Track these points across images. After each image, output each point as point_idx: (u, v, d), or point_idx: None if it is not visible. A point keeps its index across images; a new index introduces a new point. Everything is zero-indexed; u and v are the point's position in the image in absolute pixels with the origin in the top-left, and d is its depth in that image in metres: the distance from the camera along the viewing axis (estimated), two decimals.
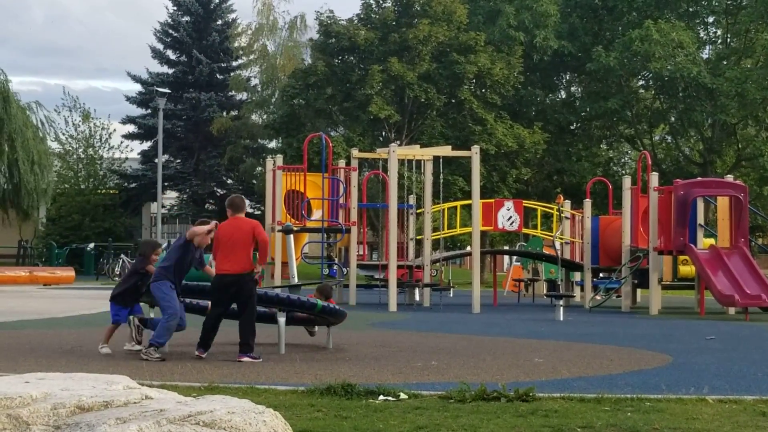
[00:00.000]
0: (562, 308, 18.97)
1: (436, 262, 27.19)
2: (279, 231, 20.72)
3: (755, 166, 42.92)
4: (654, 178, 22.23)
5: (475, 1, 43.40)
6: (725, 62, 42.78)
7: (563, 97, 48.16)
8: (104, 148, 51.40)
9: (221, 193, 53.42)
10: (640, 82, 45.57)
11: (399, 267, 22.64)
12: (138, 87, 54.18)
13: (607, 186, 28.78)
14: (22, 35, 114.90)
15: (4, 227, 39.79)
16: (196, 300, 11.83)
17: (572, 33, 43.03)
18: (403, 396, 8.04)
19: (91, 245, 43.17)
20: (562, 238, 25.59)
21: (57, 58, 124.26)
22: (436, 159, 23.31)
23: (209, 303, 11.48)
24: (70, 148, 50.80)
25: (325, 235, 22.13)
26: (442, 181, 23.81)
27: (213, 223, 11.15)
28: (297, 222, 21.64)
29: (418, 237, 24.59)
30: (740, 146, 44.02)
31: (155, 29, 53.88)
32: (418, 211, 24.73)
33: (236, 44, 54.31)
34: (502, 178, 40.34)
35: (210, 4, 53.65)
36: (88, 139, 50.96)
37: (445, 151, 25.29)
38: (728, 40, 44.35)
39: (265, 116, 49.82)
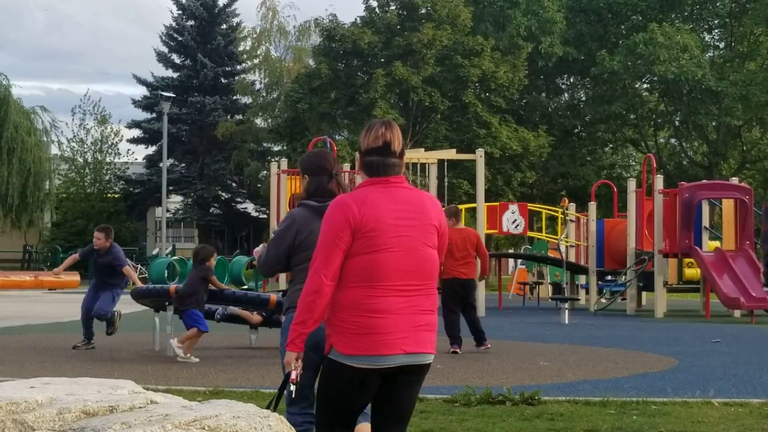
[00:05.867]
0: (567, 311, 18.93)
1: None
2: None
3: (760, 169, 42.90)
4: (659, 181, 22.18)
5: (481, 6, 43.33)
6: (729, 65, 42.74)
7: (567, 99, 48.14)
8: (111, 153, 51.43)
9: (226, 197, 53.45)
10: (645, 86, 45.53)
11: None
12: (142, 91, 54.33)
13: (612, 189, 28.72)
14: (24, 39, 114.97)
15: (8, 233, 39.83)
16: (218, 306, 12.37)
17: (578, 38, 42.99)
18: None
19: None
20: (567, 241, 25.55)
21: (59, 62, 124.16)
22: (440, 162, 23.25)
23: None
24: (77, 152, 50.76)
25: None
26: (446, 184, 23.76)
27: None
28: None
29: None
30: (745, 149, 43.96)
31: (160, 33, 54.01)
32: None
33: (241, 48, 54.39)
34: (506, 182, 40.29)
35: (215, 8, 53.71)
36: (98, 143, 50.96)
37: (450, 154, 25.27)
38: (732, 43, 44.31)
39: (270, 120, 49.85)
